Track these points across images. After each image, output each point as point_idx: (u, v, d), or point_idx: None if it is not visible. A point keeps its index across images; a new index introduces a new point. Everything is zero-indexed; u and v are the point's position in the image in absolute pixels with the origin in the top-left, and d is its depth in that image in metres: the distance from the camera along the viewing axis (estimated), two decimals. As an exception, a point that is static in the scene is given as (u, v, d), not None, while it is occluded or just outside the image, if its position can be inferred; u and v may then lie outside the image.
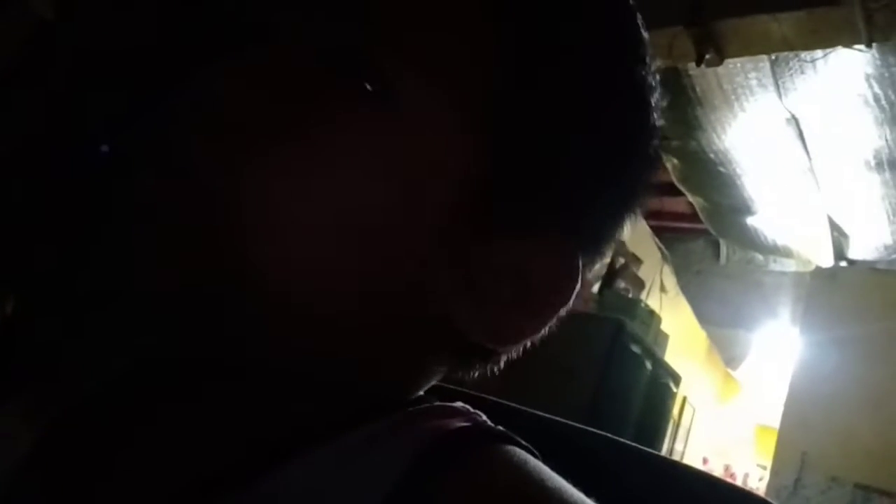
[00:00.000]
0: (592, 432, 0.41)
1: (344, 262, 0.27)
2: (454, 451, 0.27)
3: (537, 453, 0.29)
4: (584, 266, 0.31)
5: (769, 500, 0.39)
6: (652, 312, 2.76)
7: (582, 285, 0.31)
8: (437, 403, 0.31)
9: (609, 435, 0.41)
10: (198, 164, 0.27)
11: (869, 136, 2.98)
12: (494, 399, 0.37)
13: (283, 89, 0.28)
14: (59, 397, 0.32)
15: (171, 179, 0.27)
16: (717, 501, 0.38)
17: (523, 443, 0.29)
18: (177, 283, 0.27)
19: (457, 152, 0.28)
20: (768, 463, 3.83)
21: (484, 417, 0.31)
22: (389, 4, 0.28)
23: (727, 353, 4.92)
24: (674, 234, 4.44)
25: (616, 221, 0.33)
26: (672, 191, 3.97)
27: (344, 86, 0.27)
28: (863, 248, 3.96)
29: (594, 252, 0.32)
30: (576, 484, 0.27)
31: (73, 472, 0.30)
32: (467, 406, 0.31)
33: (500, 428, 0.29)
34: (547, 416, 0.41)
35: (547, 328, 0.31)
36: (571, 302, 0.31)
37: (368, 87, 0.27)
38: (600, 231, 0.32)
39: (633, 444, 0.40)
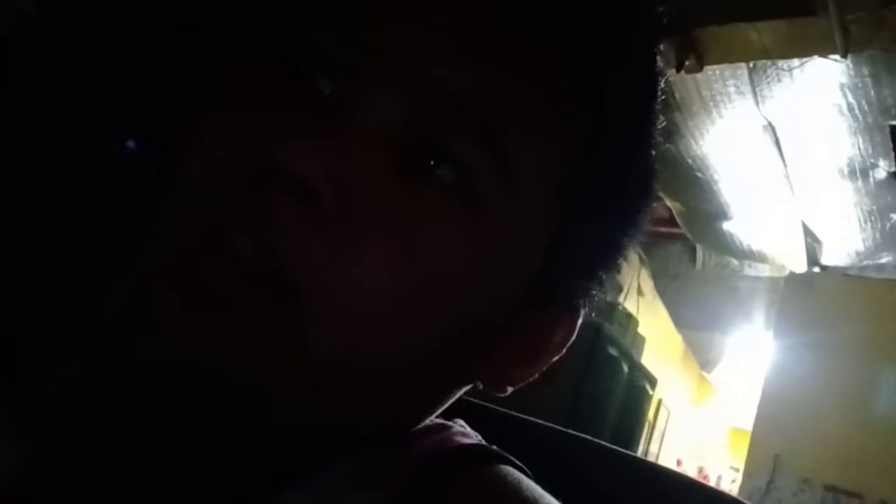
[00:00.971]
0: (575, 436, 0.41)
1: (399, 342, 0.27)
2: (453, 470, 0.28)
3: (530, 473, 0.30)
4: None
5: (744, 501, 0.39)
6: (629, 315, 2.78)
7: None
8: (437, 422, 0.32)
9: (591, 438, 0.41)
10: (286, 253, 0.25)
11: (843, 144, 3.04)
12: (488, 405, 0.38)
13: (381, 175, 0.26)
14: (54, 404, 0.31)
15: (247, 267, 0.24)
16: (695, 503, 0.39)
17: (518, 463, 0.30)
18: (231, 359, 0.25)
19: (526, 251, 0.29)
20: (741, 465, 3.88)
21: (479, 438, 0.32)
22: (493, 111, 0.27)
23: (702, 357, 4.98)
24: (652, 238, 4.48)
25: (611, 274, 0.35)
26: (650, 195, 3.99)
27: (436, 182, 0.26)
28: (835, 254, 4.03)
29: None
30: (559, 486, 0.28)
31: (76, 480, 0.30)
32: (465, 425, 0.33)
33: (496, 448, 0.31)
34: (535, 421, 0.42)
35: None
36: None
37: (460, 185, 0.26)
38: (601, 289, 0.34)
39: (617, 448, 0.41)
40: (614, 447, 0.42)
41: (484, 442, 0.32)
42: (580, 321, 0.33)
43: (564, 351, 0.32)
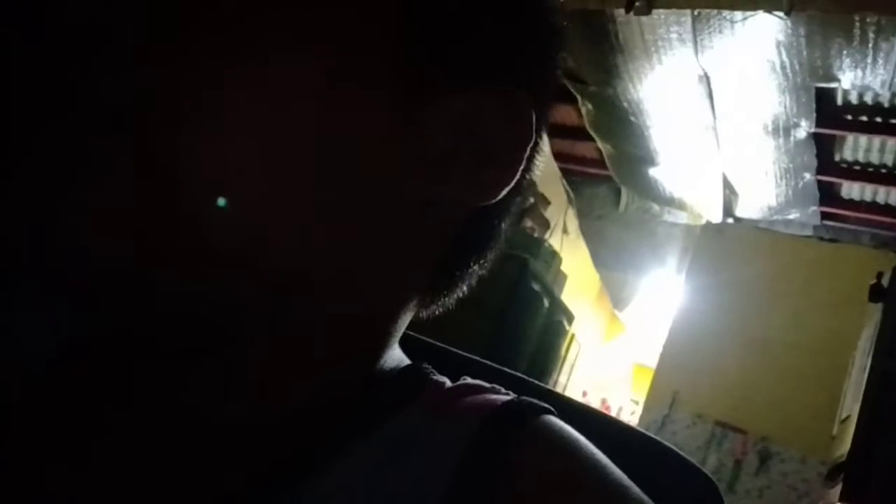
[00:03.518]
0: (488, 365, 0.41)
1: (300, 180, 0.25)
2: (512, 425, 0.28)
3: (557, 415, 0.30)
4: (538, 116, 0.29)
5: (640, 429, 0.41)
6: (554, 253, 2.84)
7: (540, 137, 0.31)
8: (464, 382, 0.31)
9: (502, 368, 0.41)
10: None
11: (771, 101, 3.13)
12: (415, 335, 0.37)
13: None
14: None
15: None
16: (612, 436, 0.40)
17: (554, 411, 0.30)
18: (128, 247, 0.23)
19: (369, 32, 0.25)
20: (642, 399, 4.13)
21: (508, 392, 0.31)
22: None
23: (616, 296, 5.18)
24: (581, 177, 4.56)
25: (543, 57, 0.31)
26: (583, 135, 4.05)
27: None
28: (749, 207, 4.23)
29: (540, 94, 0.30)
30: None
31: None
32: (481, 381, 0.32)
33: (534, 400, 0.30)
34: (451, 349, 0.41)
35: (524, 177, 0.30)
36: (537, 149, 0.30)
37: None
38: (533, 71, 0.30)
39: (526, 377, 0.41)
40: (524, 377, 0.42)
41: (515, 395, 0.31)
42: (530, 109, 0.28)
43: (527, 135, 0.28)
